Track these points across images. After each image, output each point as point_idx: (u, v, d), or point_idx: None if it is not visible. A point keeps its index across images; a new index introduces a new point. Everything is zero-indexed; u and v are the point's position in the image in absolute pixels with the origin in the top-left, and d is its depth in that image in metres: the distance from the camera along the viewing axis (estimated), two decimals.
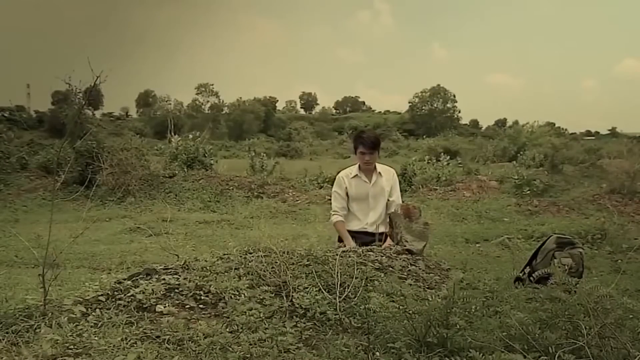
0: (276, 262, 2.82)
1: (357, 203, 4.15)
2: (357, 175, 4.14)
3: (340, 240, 4.14)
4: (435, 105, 71.87)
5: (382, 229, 4.11)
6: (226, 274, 2.70)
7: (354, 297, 2.56)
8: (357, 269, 2.84)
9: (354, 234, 4.09)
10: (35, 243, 2.70)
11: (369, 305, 2.31)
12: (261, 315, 2.30)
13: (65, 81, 2.86)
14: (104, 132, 24.87)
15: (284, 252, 3.00)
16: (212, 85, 71.91)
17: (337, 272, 2.66)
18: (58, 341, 1.94)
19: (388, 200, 4.17)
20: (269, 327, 2.19)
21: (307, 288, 2.60)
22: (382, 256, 3.42)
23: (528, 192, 10.62)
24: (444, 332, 1.96)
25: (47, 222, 2.76)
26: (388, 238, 3.94)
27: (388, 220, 4.02)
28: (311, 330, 2.29)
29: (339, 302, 2.47)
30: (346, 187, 4.14)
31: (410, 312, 2.10)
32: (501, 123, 69.66)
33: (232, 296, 2.49)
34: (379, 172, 4.16)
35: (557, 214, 9.05)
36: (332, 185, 4.52)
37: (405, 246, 3.69)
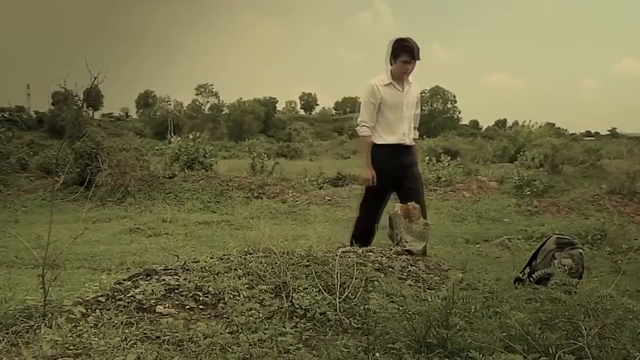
0: (276, 263, 2.82)
1: (392, 112, 3.95)
2: (390, 83, 3.94)
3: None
4: (435, 106, 71.97)
5: (409, 142, 4.05)
6: (226, 274, 2.70)
7: (353, 298, 2.56)
8: (357, 270, 2.84)
9: (389, 148, 3.95)
10: (35, 244, 2.69)
11: (369, 305, 2.31)
12: (261, 316, 2.30)
13: (61, 85, 2.83)
14: (104, 133, 24.91)
15: (283, 253, 3.00)
16: (212, 85, 72.00)
17: (337, 273, 2.66)
18: (58, 342, 1.94)
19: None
20: (269, 327, 2.19)
21: (307, 288, 2.60)
22: (382, 257, 3.42)
23: (528, 192, 10.62)
24: (444, 333, 1.96)
25: (46, 223, 2.76)
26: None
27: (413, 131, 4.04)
28: (311, 330, 2.29)
29: (339, 302, 2.46)
30: (381, 97, 3.92)
31: (410, 312, 2.10)
32: (501, 123, 69.67)
33: (232, 297, 2.49)
34: (410, 81, 4.01)
35: (557, 214, 9.05)
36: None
37: (405, 247, 3.69)
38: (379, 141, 3.98)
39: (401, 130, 4.00)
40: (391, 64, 3.96)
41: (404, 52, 3.85)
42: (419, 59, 3.90)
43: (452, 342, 1.95)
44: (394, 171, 3.99)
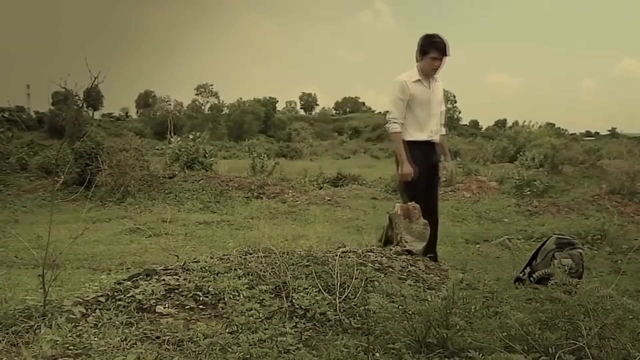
0: (276, 263, 2.82)
1: (421, 109, 3.92)
2: (419, 79, 3.91)
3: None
4: None
5: (437, 140, 4.04)
6: (226, 274, 2.70)
7: (353, 298, 2.56)
8: (357, 270, 2.84)
9: (419, 145, 3.92)
10: (35, 244, 2.69)
11: (369, 305, 2.31)
12: (261, 316, 2.30)
13: (61, 85, 2.83)
14: (104, 133, 24.91)
15: (283, 253, 3.00)
16: (212, 85, 71.96)
17: (337, 273, 2.66)
18: (58, 342, 1.94)
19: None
20: (269, 327, 2.19)
21: (307, 289, 2.60)
22: (382, 257, 3.42)
23: (528, 192, 10.62)
24: (444, 333, 1.96)
25: (46, 223, 2.76)
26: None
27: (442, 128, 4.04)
28: (311, 330, 2.29)
29: (339, 302, 2.47)
30: (410, 93, 3.88)
31: (410, 312, 2.10)
32: (501, 123, 69.62)
33: (232, 297, 2.49)
34: (436, 78, 3.99)
35: (557, 214, 9.04)
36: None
37: (405, 247, 3.69)
38: (408, 138, 3.94)
39: (430, 128, 3.99)
40: (419, 61, 3.94)
41: (432, 48, 3.82)
42: (448, 55, 3.87)
43: (452, 342, 1.95)
44: (426, 168, 3.98)
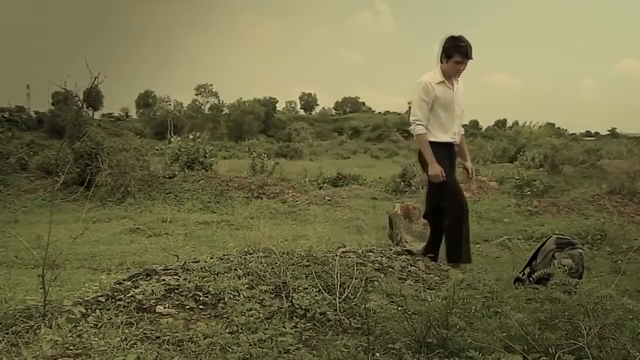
0: (276, 263, 2.82)
1: (445, 110, 3.94)
2: (442, 81, 3.91)
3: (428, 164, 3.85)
4: None
5: (458, 141, 4.08)
6: (226, 274, 2.70)
7: (353, 298, 2.56)
8: (357, 270, 2.84)
9: (442, 146, 3.93)
10: (35, 244, 2.69)
11: (369, 305, 2.31)
12: (261, 316, 2.30)
13: (61, 86, 2.83)
14: (104, 133, 24.90)
15: (283, 253, 3.00)
16: (212, 85, 71.92)
17: (337, 273, 2.66)
18: (58, 342, 1.94)
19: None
20: (269, 327, 2.19)
21: (307, 289, 2.60)
22: (382, 257, 3.42)
23: (528, 192, 10.62)
24: (444, 333, 1.96)
25: (46, 223, 2.75)
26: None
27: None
28: (311, 330, 2.29)
29: (339, 302, 2.47)
30: (435, 95, 3.89)
31: (410, 312, 2.10)
32: (501, 123, 69.58)
33: (232, 297, 2.49)
34: (457, 79, 4.00)
35: (557, 214, 9.04)
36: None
37: (405, 247, 3.69)
38: (432, 139, 3.95)
39: (452, 129, 4.02)
40: (442, 62, 3.93)
41: (456, 52, 3.82)
42: (472, 58, 3.88)
43: (452, 342, 1.95)
44: (448, 169, 3.98)
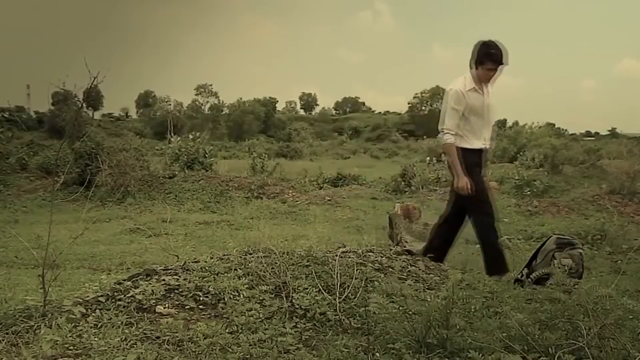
0: (276, 263, 2.82)
1: (477, 117, 3.87)
2: (474, 87, 3.84)
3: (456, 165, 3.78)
4: (435, 106, 71.74)
5: (488, 147, 4.03)
6: (226, 274, 2.71)
7: (353, 298, 2.56)
8: (357, 270, 2.84)
9: (473, 153, 3.87)
10: (35, 244, 2.69)
11: (369, 305, 2.31)
12: (261, 316, 2.31)
13: (60, 87, 2.83)
14: (104, 133, 24.89)
15: (283, 253, 3.00)
16: (212, 85, 71.91)
17: (337, 273, 2.66)
18: (58, 342, 1.94)
19: None
20: (269, 327, 2.19)
21: (307, 289, 2.60)
22: (382, 257, 3.43)
23: (528, 192, 10.63)
24: (443, 333, 1.96)
25: (46, 223, 2.75)
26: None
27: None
28: (311, 330, 2.29)
29: (339, 302, 2.47)
30: (467, 102, 3.81)
31: (410, 312, 2.10)
32: (501, 123, 69.55)
33: (232, 297, 2.49)
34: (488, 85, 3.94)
35: (557, 214, 9.05)
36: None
37: (405, 247, 3.69)
38: (465, 145, 3.89)
39: (483, 135, 3.98)
40: (473, 67, 3.88)
41: (489, 60, 3.76)
42: (506, 64, 3.81)
43: (452, 342, 1.95)
44: (478, 176, 3.93)
